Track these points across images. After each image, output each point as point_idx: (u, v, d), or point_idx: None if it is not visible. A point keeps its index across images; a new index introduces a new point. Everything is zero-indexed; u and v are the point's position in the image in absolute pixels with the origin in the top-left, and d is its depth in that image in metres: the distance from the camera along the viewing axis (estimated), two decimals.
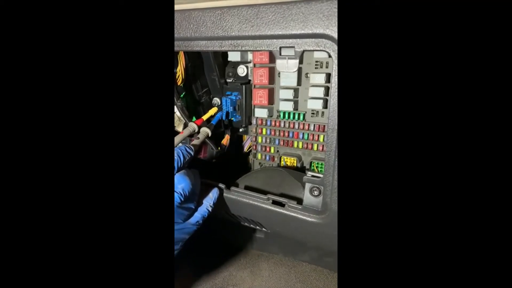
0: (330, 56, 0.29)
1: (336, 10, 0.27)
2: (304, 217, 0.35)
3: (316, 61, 0.44)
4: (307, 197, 0.36)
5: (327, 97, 0.44)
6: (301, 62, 0.45)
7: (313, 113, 0.48)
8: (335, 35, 0.28)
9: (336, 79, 0.29)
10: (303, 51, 0.30)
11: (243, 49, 0.32)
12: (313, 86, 0.45)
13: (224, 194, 0.40)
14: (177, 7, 0.34)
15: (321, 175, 0.34)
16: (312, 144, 0.48)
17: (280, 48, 0.31)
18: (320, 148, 0.48)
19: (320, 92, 0.44)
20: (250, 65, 0.49)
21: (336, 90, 0.30)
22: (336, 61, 0.29)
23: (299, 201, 0.37)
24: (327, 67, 0.44)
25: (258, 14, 0.30)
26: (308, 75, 0.46)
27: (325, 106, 0.45)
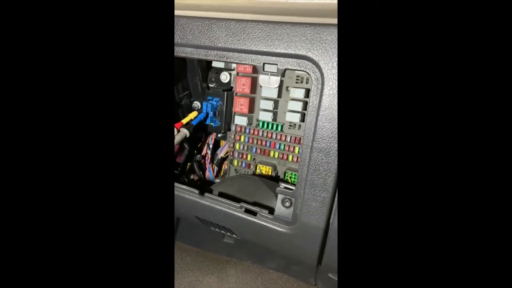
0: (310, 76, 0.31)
1: (319, 35, 0.29)
2: (275, 227, 0.36)
3: (297, 76, 0.46)
4: (279, 208, 0.37)
5: (305, 111, 0.46)
6: (283, 75, 0.46)
7: (290, 125, 0.50)
8: (316, 58, 0.29)
9: (315, 99, 0.31)
10: (285, 69, 0.32)
11: (228, 60, 0.33)
12: (292, 99, 0.47)
13: (197, 200, 0.41)
14: None
15: (293, 187, 0.36)
16: (287, 155, 0.50)
17: (264, 64, 0.32)
18: (295, 159, 0.49)
19: (298, 106, 0.46)
20: (234, 72, 0.50)
21: (314, 108, 0.32)
22: (315, 82, 0.31)
23: (271, 210, 0.38)
24: (307, 83, 0.46)
25: (245, 29, 0.31)
26: (289, 89, 0.47)
27: (303, 119, 0.46)
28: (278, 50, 0.30)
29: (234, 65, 0.49)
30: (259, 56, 0.32)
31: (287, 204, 0.36)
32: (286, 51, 0.30)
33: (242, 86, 0.49)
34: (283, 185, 0.37)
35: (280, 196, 0.37)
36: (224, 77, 0.50)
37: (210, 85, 0.51)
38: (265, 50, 0.31)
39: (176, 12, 0.33)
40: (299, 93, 0.46)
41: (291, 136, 0.50)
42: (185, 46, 0.34)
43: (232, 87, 0.50)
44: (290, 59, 0.31)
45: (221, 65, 0.48)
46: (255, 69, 0.48)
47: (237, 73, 0.49)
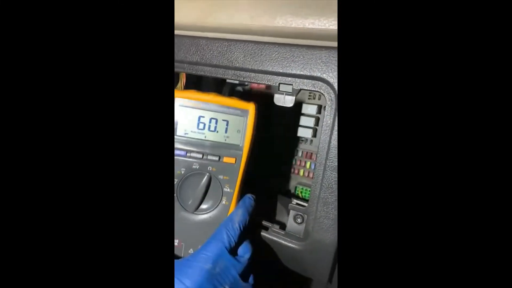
0: (324, 96, 0.32)
1: (334, 58, 0.30)
2: (286, 243, 0.36)
3: (310, 92, 0.47)
4: (290, 224, 0.37)
5: (316, 127, 0.47)
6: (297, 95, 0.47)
7: (302, 140, 0.50)
8: (331, 80, 0.30)
9: (329, 118, 0.32)
10: (300, 89, 0.33)
11: (245, 80, 0.34)
12: (304, 115, 0.47)
13: None
14: (187, 33, 0.35)
15: (305, 204, 0.36)
16: (298, 170, 0.51)
17: (279, 84, 0.33)
18: (306, 174, 0.50)
19: (310, 122, 0.47)
20: (247, 87, 0.51)
21: (328, 127, 0.32)
22: (329, 103, 0.32)
23: (283, 226, 0.39)
24: (319, 99, 0.47)
25: (263, 51, 0.32)
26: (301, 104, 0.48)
27: (314, 135, 0.47)
28: (293, 72, 0.31)
29: None
30: (275, 76, 0.33)
31: (299, 220, 0.37)
32: (301, 73, 0.31)
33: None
34: (295, 201, 0.37)
35: (292, 212, 0.37)
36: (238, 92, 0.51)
37: None
38: (281, 71, 0.32)
39: (197, 34, 0.35)
40: (312, 109, 0.47)
41: (302, 151, 0.50)
42: (204, 65, 0.35)
43: None
44: (306, 80, 0.32)
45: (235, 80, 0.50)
46: (268, 85, 0.49)
47: (251, 89, 0.50)
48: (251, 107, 0.32)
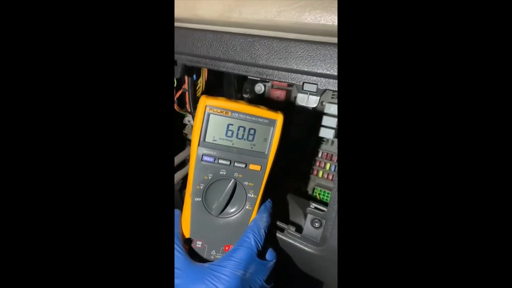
0: None
1: None
2: (302, 246, 0.36)
3: (334, 91, 0.45)
4: (308, 227, 0.36)
5: None
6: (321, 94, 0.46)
7: (323, 141, 0.49)
8: None
9: None
10: (326, 89, 0.31)
11: (268, 78, 0.33)
12: (326, 115, 0.46)
13: None
14: (210, 27, 0.34)
15: (324, 209, 0.35)
16: (317, 170, 0.49)
17: (303, 83, 0.32)
18: (325, 176, 0.49)
19: (333, 122, 0.45)
20: (268, 84, 0.50)
21: None
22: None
23: (299, 228, 0.38)
24: None
25: (288, 48, 0.31)
26: (324, 103, 0.46)
27: (336, 136, 0.45)
28: (319, 71, 0.30)
29: None
30: (299, 75, 0.32)
31: (317, 225, 0.36)
32: (328, 72, 0.30)
33: (276, 98, 0.49)
34: (313, 204, 0.36)
35: (309, 216, 0.36)
36: (259, 88, 0.50)
37: (244, 95, 0.51)
38: (306, 69, 0.30)
39: (220, 28, 0.34)
40: (334, 109, 0.45)
41: (322, 152, 0.49)
42: (227, 61, 0.34)
43: (266, 99, 0.50)
44: (332, 80, 0.30)
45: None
46: (290, 83, 0.47)
47: (272, 86, 0.49)
48: (279, 118, 0.32)
